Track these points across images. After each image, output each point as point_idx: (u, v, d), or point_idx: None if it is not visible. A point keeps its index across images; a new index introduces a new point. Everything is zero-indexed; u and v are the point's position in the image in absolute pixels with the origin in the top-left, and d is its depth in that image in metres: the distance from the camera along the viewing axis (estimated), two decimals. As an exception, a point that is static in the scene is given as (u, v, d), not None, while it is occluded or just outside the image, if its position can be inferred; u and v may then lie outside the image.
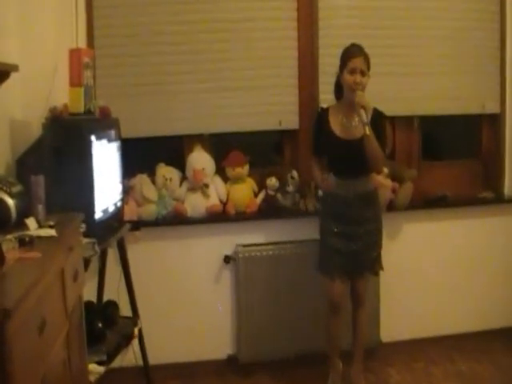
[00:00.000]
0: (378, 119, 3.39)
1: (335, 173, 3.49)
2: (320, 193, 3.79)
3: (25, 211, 2.44)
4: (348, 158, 3.40)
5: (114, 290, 3.62)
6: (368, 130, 3.21)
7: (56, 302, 2.18)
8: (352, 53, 3.35)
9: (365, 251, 3.48)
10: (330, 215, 3.50)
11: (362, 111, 3.23)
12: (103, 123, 3.24)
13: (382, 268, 3.60)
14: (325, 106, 3.64)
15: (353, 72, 3.30)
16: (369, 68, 3.35)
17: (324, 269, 3.51)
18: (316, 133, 3.56)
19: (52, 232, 2.33)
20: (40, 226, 2.39)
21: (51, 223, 2.42)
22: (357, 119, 3.37)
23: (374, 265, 3.54)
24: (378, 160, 3.36)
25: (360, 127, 3.33)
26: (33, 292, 1.81)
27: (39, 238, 2.27)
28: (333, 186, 3.47)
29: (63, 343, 2.27)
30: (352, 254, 3.45)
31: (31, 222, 2.38)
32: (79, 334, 2.61)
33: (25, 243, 2.17)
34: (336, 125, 3.44)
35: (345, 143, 3.41)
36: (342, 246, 3.44)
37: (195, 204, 3.95)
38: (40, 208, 2.48)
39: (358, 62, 3.31)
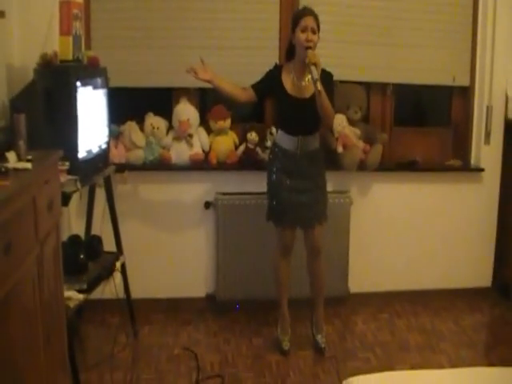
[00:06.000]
0: (328, 79, 3.54)
1: (285, 129, 3.65)
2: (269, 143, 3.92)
3: (7, 145, 2.69)
4: (298, 116, 3.58)
5: (103, 227, 3.85)
6: (319, 86, 3.35)
7: (26, 226, 2.42)
8: (303, 12, 3.53)
9: (314, 203, 3.69)
10: (281, 170, 3.67)
11: (313, 68, 3.36)
12: (90, 71, 3.45)
13: (326, 219, 3.77)
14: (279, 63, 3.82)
15: (304, 30, 3.45)
16: (319, 29, 3.49)
17: (277, 220, 3.73)
18: (264, 78, 3.66)
19: (27, 165, 2.55)
20: (19, 160, 2.62)
21: (29, 157, 2.64)
22: (307, 78, 3.55)
23: (321, 216, 3.74)
24: (329, 115, 3.53)
25: (310, 87, 3.51)
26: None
27: (16, 169, 2.50)
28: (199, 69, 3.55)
29: (32, 264, 2.51)
30: (302, 206, 3.66)
31: (11, 156, 2.61)
32: (55, 260, 2.84)
33: (0, 173, 2.44)
34: (288, 82, 3.60)
35: (295, 101, 3.58)
36: (294, 199, 3.65)
37: (180, 152, 4.18)
38: (21, 143, 2.70)
39: (309, 21, 3.46)
